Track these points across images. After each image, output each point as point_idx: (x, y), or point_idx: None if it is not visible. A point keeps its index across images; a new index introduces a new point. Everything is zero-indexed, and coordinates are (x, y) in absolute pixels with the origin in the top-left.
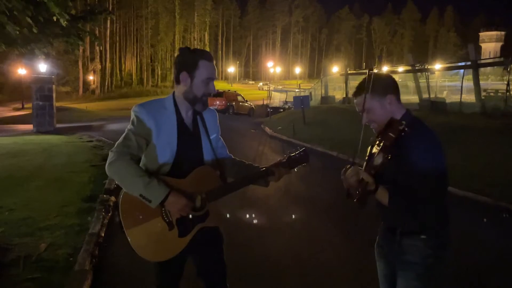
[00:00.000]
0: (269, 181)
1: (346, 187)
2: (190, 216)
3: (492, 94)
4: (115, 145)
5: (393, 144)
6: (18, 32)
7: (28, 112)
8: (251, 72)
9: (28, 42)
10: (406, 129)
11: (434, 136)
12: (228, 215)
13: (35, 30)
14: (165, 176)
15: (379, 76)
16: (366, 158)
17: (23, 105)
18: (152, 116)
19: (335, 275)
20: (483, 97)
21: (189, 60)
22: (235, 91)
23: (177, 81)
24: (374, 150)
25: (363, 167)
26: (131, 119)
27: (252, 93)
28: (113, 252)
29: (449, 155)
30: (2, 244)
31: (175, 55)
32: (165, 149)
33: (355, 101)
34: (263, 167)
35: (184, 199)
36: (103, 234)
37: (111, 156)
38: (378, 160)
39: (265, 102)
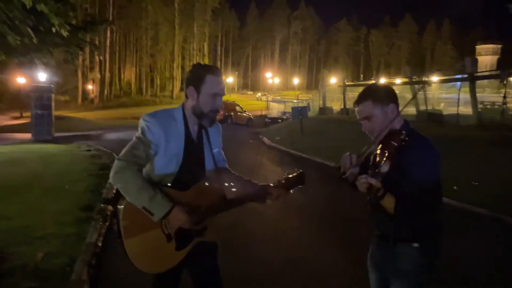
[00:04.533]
0: (266, 200)
1: (342, 171)
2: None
3: (488, 106)
4: (123, 153)
5: (395, 153)
6: (19, 42)
7: (26, 121)
8: (249, 82)
9: (28, 52)
10: (406, 138)
11: (432, 147)
12: (225, 224)
13: (35, 41)
14: (167, 188)
15: (381, 85)
16: (371, 166)
17: (21, 114)
18: (163, 127)
19: (331, 284)
20: (479, 110)
21: (196, 75)
22: (233, 101)
23: (186, 95)
24: (378, 158)
25: (369, 175)
26: (141, 127)
27: (251, 104)
28: (110, 261)
29: (445, 167)
30: None
31: (174, 65)
32: (171, 160)
33: (356, 109)
34: (261, 185)
35: (185, 215)
36: (100, 244)
37: (118, 164)
38: (385, 168)
39: (263, 113)
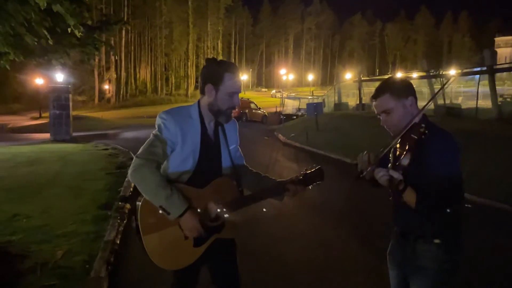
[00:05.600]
0: (283, 196)
1: (360, 170)
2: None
3: (508, 99)
4: (141, 151)
5: (416, 146)
6: (36, 43)
7: (45, 121)
8: (264, 79)
9: (45, 53)
10: (426, 131)
11: (453, 139)
12: (242, 223)
13: (50, 42)
14: (184, 185)
15: (399, 79)
16: (391, 160)
17: (40, 114)
18: (179, 125)
19: (351, 282)
20: (499, 103)
21: (215, 73)
22: (248, 99)
23: (202, 92)
24: (398, 152)
25: (390, 168)
26: (157, 125)
27: (265, 101)
28: (129, 259)
29: (465, 162)
30: (19, 251)
31: (189, 63)
32: (188, 157)
33: (374, 103)
34: (279, 181)
35: (197, 222)
36: (118, 241)
37: (136, 162)
38: (406, 161)
39: (278, 109)
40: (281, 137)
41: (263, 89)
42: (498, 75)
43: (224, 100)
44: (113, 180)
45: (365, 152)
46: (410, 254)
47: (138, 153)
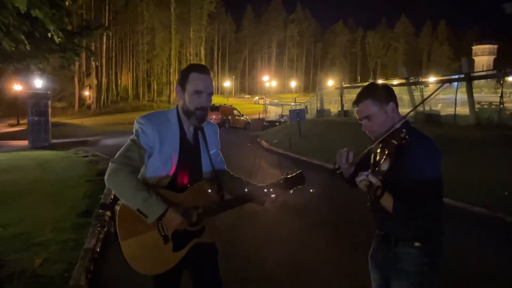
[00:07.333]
0: (265, 201)
1: (337, 166)
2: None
3: (486, 106)
4: (117, 156)
5: (396, 151)
6: (14, 49)
7: (23, 128)
8: (247, 86)
9: (23, 58)
10: (407, 137)
11: (433, 145)
12: (224, 228)
13: (28, 48)
14: (163, 189)
15: (380, 85)
16: (371, 164)
17: (18, 121)
18: (157, 129)
19: (333, 286)
20: (477, 110)
21: (182, 74)
22: (231, 105)
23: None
24: (378, 157)
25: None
26: (135, 130)
27: (248, 107)
28: (109, 267)
29: (444, 167)
30: None
31: (171, 70)
32: (167, 162)
33: (356, 109)
34: (260, 185)
35: (180, 217)
36: (98, 249)
37: (112, 167)
38: (385, 166)
39: (261, 116)
40: (264, 143)
41: (246, 96)
42: (475, 82)
43: (191, 100)
44: (93, 187)
45: (345, 149)
46: (391, 257)
47: (114, 158)
